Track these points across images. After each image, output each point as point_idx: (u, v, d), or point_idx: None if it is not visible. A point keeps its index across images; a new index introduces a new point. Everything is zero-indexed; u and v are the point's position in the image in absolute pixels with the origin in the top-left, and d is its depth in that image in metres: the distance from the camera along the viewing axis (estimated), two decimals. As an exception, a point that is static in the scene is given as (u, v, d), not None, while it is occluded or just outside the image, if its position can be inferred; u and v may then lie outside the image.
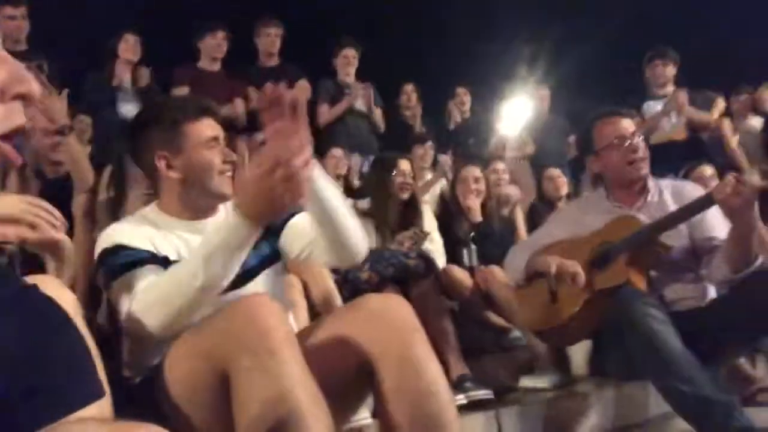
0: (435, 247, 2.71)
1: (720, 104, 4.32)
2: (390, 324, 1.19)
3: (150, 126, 1.40)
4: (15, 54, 0.61)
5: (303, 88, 4.06)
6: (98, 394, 0.64)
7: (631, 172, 1.97)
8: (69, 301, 0.94)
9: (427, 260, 2.39)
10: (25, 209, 1.10)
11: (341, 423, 1.33)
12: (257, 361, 1.01)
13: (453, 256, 2.78)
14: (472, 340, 2.36)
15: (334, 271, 2.18)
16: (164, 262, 1.30)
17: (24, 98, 0.58)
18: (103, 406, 0.65)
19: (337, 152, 3.74)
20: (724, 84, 4.64)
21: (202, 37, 3.95)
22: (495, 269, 2.41)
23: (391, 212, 2.69)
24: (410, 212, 2.74)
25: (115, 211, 2.38)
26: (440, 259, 2.66)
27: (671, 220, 1.82)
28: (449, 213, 3.02)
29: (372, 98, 4.28)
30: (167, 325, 1.18)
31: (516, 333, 2.47)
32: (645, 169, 1.97)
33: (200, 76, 3.89)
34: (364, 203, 2.77)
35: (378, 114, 4.36)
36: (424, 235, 2.58)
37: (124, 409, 0.79)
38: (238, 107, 3.85)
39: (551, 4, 6.31)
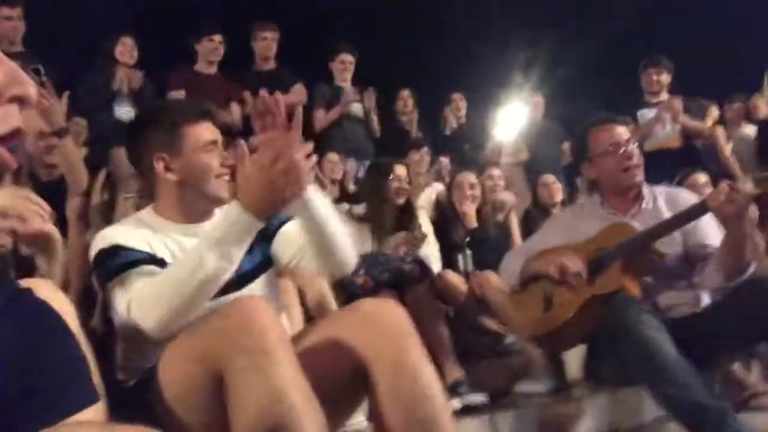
0: (430, 251, 2.72)
1: (714, 112, 4.35)
2: (384, 328, 1.19)
3: (150, 127, 1.40)
4: (11, 55, 0.60)
5: (299, 93, 4.07)
6: (94, 398, 0.64)
7: (625, 179, 1.98)
8: (63, 304, 0.94)
9: (423, 265, 2.40)
10: (13, 202, 1.10)
11: (336, 427, 1.33)
12: (252, 361, 1.01)
13: (448, 262, 2.78)
14: (466, 345, 2.36)
15: (329, 275, 2.18)
16: (161, 264, 1.30)
17: (21, 101, 0.57)
18: (98, 410, 0.65)
19: (333, 157, 3.75)
20: (717, 92, 4.68)
21: (199, 40, 3.94)
22: (490, 275, 2.41)
23: (386, 217, 2.69)
24: (406, 217, 2.74)
25: (109, 214, 2.38)
26: (435, 264, 2.66)
27: (665, 228, 1.83)
28: (445, 218, 3.02)
29: (374, 101, 4.29)
30: (166, 324, 1.17)
31: (511, 338, 2.47)
32: (639, 176, 1.98)
33: (196, 79, 3.88)
34: (360, 208, 2.78)
35: (374, 119, 4.37)
36: (422, 237, 2.58)
37: (118, 412, 0.79)
38: (234, 111, 3.84)
39: (546, 10, 6.35)
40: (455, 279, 2.46)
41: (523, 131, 4.82)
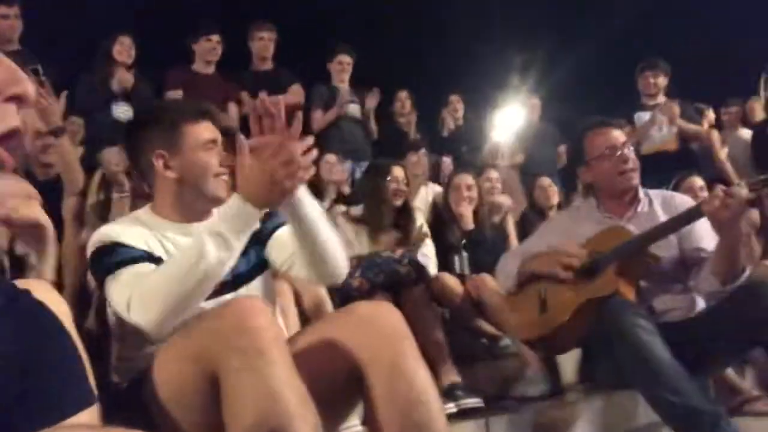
0: (427, 252, 2.72)
1: (710, 116, 4.36)
2: (379, 331, 1.19)
3: (150, 125, 1.41)
4: (8, 54, 0.59)
5: (296, 93, 4.07)
6: (90, 401, 0.63)
7: (621, 183, 1.98)
8: (59, 305, 0.94)
9: (419, 267, 2.39)
10: (4, 190, 1.10)
11: (331, 429, 1.33)
12: (246, 361, 1.01)
13: (444, 264, 2.78)
14: (462, 348, 2.36)
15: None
16: (158, 263, 1.29)
17: (19, 100, 0.57)
18: (93, 413, 0.65)
19: (330, 158, 3.74)
20: (716, 93, 4.69)
21: (196, 40, 3.93)
22: (486, 277, 2.41)
23: (384, 218, 2.69)
24: (403, 219, 2.74)
25: (104, 214, 2.38)
26: (432, 266, 2.66)
27: (661, 231, 1.84)
28: (441, 220, 3.02)
29: (377, 102, 4.28)
30: (164, 319, 1.17)
31: (506, 341, 2.47)
32: (635, 179, 1.99)
33: (194, 78, 3.88)
34: (357, 209, 2.78)
35: (372, 120, 4.37)
36: (423, 236, 2.58)
37: (112, 414, 0.79)
38: (231, 111, 3.84)
39: (544, 14, 6.36)
40: (451, 281, 2.46)
41: (519, 134, 4.83)
